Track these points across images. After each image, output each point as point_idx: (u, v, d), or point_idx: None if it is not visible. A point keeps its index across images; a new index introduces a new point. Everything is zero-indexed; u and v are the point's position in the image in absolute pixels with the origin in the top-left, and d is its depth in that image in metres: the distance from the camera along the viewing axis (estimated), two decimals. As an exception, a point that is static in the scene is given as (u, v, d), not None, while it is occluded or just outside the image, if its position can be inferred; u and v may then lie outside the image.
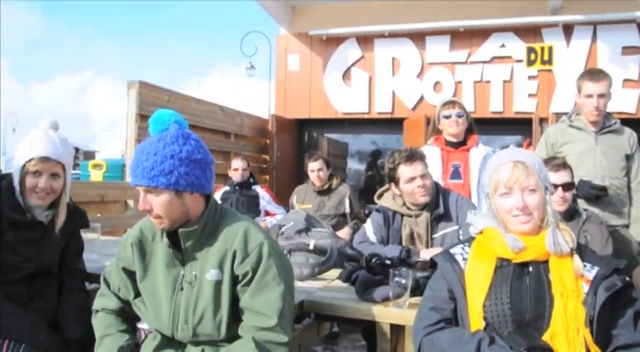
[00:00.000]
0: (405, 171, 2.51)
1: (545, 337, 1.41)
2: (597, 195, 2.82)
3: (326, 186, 4.39)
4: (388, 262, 2.13)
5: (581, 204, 2.80)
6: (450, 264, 1.61)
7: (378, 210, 2.64)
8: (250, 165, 4.93)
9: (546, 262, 1.51)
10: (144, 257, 1.71)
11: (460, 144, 3.22)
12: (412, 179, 2.49)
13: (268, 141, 6.62)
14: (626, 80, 5.48)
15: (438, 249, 2.24)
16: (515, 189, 1.54)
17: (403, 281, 1.86)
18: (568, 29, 5.66)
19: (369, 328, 2.17)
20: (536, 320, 1.45)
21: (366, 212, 4.31)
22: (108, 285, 1.81)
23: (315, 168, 4.35)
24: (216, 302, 1.59)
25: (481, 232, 1.64)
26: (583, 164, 2.90)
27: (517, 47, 5.77)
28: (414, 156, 2.54)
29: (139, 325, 1.89)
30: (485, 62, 5.95)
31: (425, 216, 2.51)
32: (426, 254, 2.32)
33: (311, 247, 2.39)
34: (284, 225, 2.58)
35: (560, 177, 2.47)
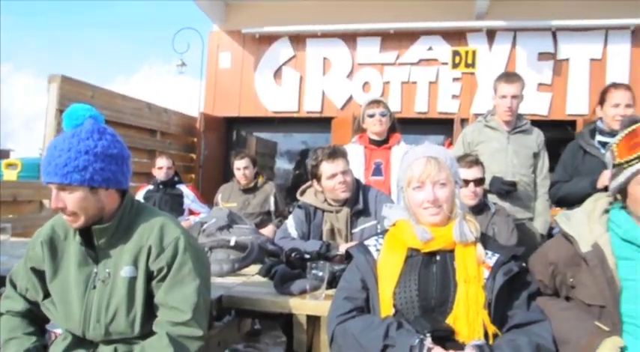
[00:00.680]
0: (327, 167, 2.56)
1: (449, 320, 1.50)
2: (508, 190, 3.00)
3: (251, 185, 4.39)
4: (307, 256, 2.17)
5: (493, 198, 2.97)
6: (363, 255, 1.67)
7: (300, 207, 2.68)
8: (176, 164, 4.85)
9: (453, 251, 1.60)
10: (55, 256, 1.65)
11: (383, 142, 3.31)
12: (333, 176, 2.54)
13: (196, 140, 6.52)
14: (540, 84, 5.81)
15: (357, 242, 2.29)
16: (427, 183, 1.62)
17: (320, 273, 1.91)
18: (491, 34, 5.93)
19: (287, 322, 2.20)
20: (441, 304, 1.53)
21: (291, 210, 4.36)
22: (14, 286, 1.74)
23: (240, 166, 4.34)
24: (130, 299, 1.57)
25: (394, 224, 1.71)
26: (496, 161, 3.07)
27: (443, 50, 5.98)
28: (336, 153, 2.59)
29: (49, 327, 1.82)
30: (412, 64, 6.12)
31: (345, 211, 2.57)
32: (344, 248, 2.38)
33: (232, 243, 2.39)
34: (206, 222, 2.56)
35: (472, 173, 2.60)
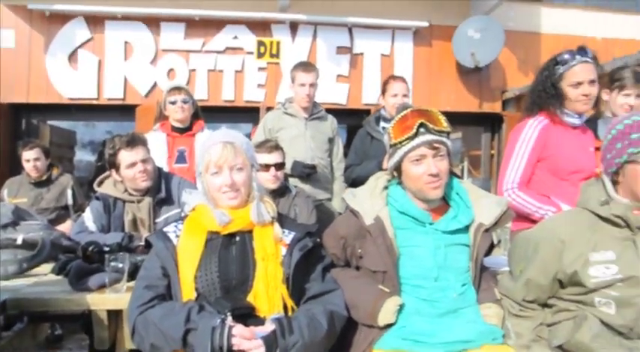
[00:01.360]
0: (125, 156, 2.45)
1: (250, 297, 1.58)
2: (309, 173, 3.23)
3: (44, 177, 4.06)
4: (107, 249, 2.07)
5: (294, 181, 3.16)
6: (162, 242, 1.66)
7: (97, 198, 2.53)
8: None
9: (251, 232, 1.68)
10: None
11: (186, 129, 3.29)
12: (133, 164, 2.45)
13: (-24, 130, 5.66)
14: (339, 75, 6.24)
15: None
16: (224, 168, 1.66)
17: (120, 265, 1.84)
18: (294, 27, 6.16)
19: (88, 321, 2.07)
20: (242, 284, 1.60)
21: (92, 203, 4.11)
22: None
23: (30, 158, 3.97)
24: None
25: (194, 209, 1.73)
26: (295, 146, 3.28)
27: (248, 40, 6.06)
28: (135, 141, 2.49)
29: None
30: (219, 52, 6.08)
31: (147, 201, 2.50)
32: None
33: (19, 242, 2.17)
34: (-15, 222, 2.27)
35: (273, 157, 2.73)
